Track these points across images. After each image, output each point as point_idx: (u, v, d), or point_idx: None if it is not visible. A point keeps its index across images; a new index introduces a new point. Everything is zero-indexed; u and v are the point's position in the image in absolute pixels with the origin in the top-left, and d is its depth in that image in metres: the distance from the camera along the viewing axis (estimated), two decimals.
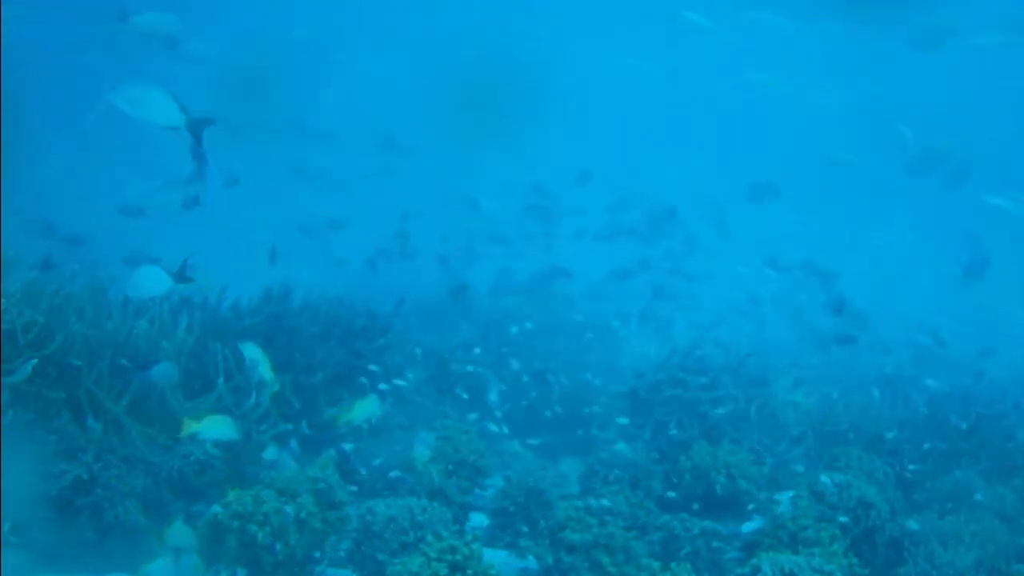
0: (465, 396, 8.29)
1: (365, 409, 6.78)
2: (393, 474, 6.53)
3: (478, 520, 6.40)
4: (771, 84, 16.72)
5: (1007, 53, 16.56)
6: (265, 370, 6.21)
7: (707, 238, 15.47)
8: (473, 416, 7.91)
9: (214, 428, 5.80)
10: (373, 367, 7.40)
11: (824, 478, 6.50)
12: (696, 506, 6.62)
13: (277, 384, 6.44)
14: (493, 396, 8.47)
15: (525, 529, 6.14)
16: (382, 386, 7.41)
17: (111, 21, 9.99)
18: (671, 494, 6.77)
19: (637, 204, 15.69)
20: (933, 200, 18.43)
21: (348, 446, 6.69)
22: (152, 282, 5.94)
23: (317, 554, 5.38)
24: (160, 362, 5.98)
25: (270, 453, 6.36)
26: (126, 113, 5.41)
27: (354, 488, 6.28)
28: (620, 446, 7.49)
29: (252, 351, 6.24)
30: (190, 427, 5.68)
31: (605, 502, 6.20)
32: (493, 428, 7.90)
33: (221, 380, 6.23)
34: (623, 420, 7.91)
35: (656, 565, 5.57)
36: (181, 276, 5.95)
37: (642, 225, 15.04)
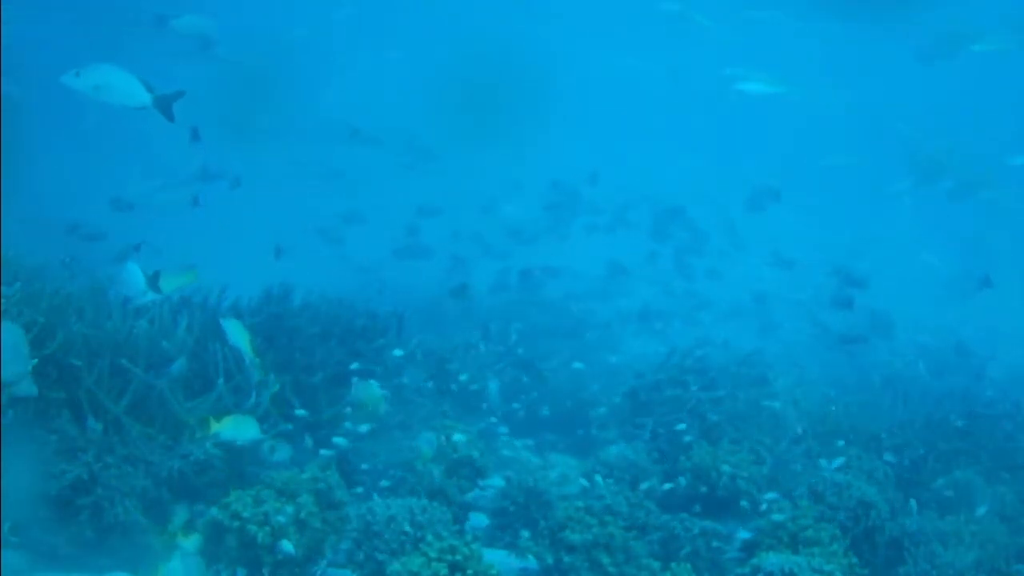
0: (464, 396, 8.28)
1: (368, 396, 6.79)
2: (390, 478, 6.52)
3: (478, 520, 6.39)
4: (751, 79, 16.60)
5: (1008, 55, 16.54)
6: (244, 345, 6.19)
7: (710, 238, 15.47)
8: (473, 416, 7.89)
9: (236, 429, 5.82)
10: (354, 365, 7.36)
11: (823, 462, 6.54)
12: (697, 507, 6.62)
13: (277, 384, 6.44)
14: (493, 395, 8.45)
15: (527, 534, 6.13)
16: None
17: (148, 25, 9.94)
18: (680, 481, 6.75)
19: (642, 204, 15.69)
20: (934, 200, 18.43)
21: (340, 439, 6.65)
22: (131, 283, 5.96)
23: (317, 556, 5.38)
24: (175, 361, 6.01)
25: (270, 453, 6.35)
26: (91, 98, 5.32)
27: (359, 489, 6.27)
28: (619, 447, 7.47)
29: (232, 327, 6.23)
30: (211, 428, 5.71)
31: (598, 478, 6.19)
32: (497, 429, 7.88)
33: (221, 380, 6.23)
34: (681, 426, 7.48)
35: (656, 565, 5.58)
36: (153, 284, 5.97)
37: (646, 223, 15.05)
